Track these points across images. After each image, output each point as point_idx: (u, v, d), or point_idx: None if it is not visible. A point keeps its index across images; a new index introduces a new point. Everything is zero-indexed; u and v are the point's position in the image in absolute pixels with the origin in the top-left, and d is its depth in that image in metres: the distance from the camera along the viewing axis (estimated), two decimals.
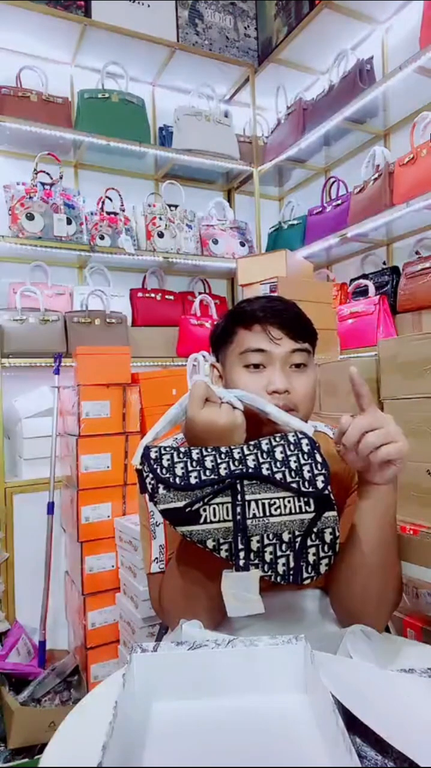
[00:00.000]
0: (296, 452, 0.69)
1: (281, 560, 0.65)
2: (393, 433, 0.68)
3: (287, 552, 0.65)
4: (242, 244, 2.67)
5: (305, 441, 0.70)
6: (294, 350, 0.82)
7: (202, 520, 0.65)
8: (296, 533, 0.65)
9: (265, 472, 0.67)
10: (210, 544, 0.65)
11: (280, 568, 0.65)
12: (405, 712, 0.57)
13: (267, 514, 0.65)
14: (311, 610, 0.84)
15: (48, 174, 2.26)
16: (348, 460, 0.72)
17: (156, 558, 0.85)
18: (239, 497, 0.65)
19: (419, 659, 0.72)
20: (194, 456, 0.68)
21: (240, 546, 0.64)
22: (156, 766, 0.50)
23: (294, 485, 0.66)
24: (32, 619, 2.01)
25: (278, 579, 0.65)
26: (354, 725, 0.53)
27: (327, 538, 0.65)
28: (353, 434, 0.68)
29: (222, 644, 0.62)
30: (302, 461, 0.68)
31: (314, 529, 0.65)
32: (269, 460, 0.68)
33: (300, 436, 0.71)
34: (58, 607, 2.13)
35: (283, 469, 0.67)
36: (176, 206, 2.53)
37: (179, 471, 0.67)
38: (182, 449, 0.70)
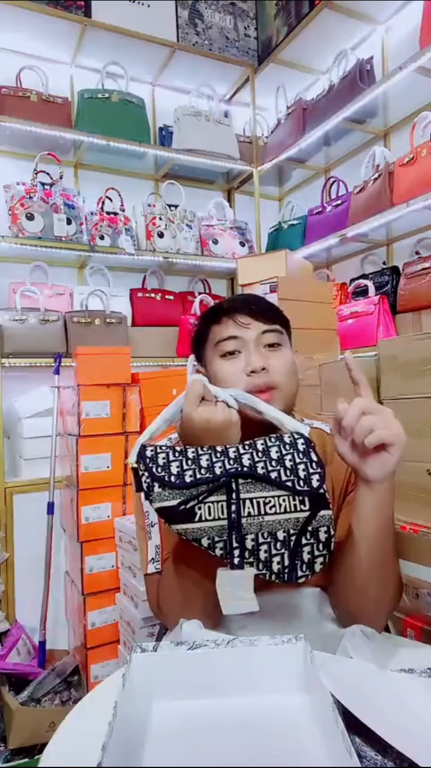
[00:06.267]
0: (291, 451, 0.69)
1: (276, 558, 0.65)
2: (389, 419, 0.69)
3: (282, 550, 0.65)
4: (242, 244, 2.67)
5: (300, 440, 0.70)
6: (265, 331, 0.84)
7: (197, 518, 0.65)
8: (291, 532, 0.65)
9: (260, 470, 0.67)
10: (205, 542, 0.65)
11: (275, 567, 0.65)
12: (405, 712, 0.57)
13: (262, 512, 0.65)
14: (311, 609, 0.84)
15: (48, 174, 2.26)
16: (342, 453, 0.72)
17: (152, 558, 0.85)
18: (234, 495, 0.65)
19: (419, 659, 0.72)
20: (190, 455, 0.69)
21: (235, 544, 0.64)
22: (156, 766, 0.50)
23: (289, 484, 0.66)
24: (32, 619, 2.01)
25: (273, 577, 0.65)
26: (354, 725, 0.53)
27: (322, 536, 0.66)
28: (353, 415, 0.68)
29: (222, 644, 0.62)
30: (298, 460, 0.68)
31: (309, 528, 0.65)
32: (264, 459, 0.68)
33: (296, 436, 0.71)
34: (58, 607, 2.13)
35: (278, 467, 0.67)
36: (176, 206, 2.53)
37: (174, 469, 0.67)
38: (178, 448, 0.70)
